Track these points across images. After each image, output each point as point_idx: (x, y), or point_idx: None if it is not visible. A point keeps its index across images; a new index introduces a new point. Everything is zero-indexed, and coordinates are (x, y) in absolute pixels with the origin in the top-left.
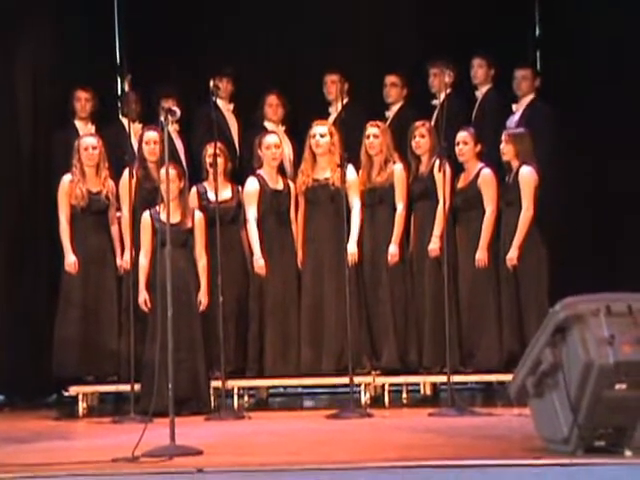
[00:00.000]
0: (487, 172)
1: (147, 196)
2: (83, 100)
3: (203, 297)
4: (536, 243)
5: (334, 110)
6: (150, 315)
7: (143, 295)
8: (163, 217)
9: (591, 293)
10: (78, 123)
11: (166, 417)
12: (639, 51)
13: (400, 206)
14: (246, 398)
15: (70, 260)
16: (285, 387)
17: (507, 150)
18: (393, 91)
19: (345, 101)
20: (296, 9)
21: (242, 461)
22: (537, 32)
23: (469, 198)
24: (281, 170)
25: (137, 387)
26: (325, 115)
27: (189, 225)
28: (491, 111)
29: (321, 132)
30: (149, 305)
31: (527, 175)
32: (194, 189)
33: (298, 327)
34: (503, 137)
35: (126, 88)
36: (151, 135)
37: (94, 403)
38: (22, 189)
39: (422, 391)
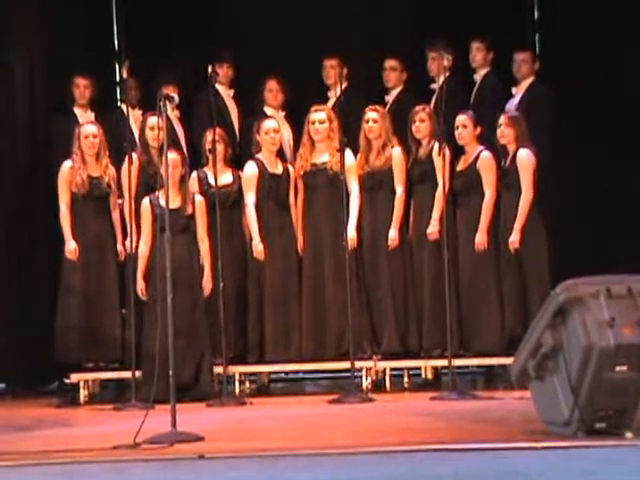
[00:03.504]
0: (487, 155)
1: (149, 182)
2: (82, 87)
3: (207, 282)
4: (537, 226)
5: (333, 95)
6: (150, 302)
7: (140, 284)
8: (163, 203)
9: (591, 275)
10: (77, 110)
11: (167, 404)
12: (638, 33)
13: (399, 190)
14: (247, 384)
15: (71, 247)
16: (286, 372)
17: (507, 133)
18: (392, 75)
19: (344, 86)
20: None
21: (244, 447)
22: (536, 15)
23: (469, 181)
24: (280, 155)
25: (138, 374)
26: (324, 100)
27: (190, 211)
28: (490, 94)
29: (320, 118)
30: (144, 293)
31: (525, 158)
32: (195, 174)
33: (299, 312)
34: (503, 120)
35: (125, 75)
36: (155, 121)
37: (95, 390)
38: (21, 175)
39: (423, 375)
